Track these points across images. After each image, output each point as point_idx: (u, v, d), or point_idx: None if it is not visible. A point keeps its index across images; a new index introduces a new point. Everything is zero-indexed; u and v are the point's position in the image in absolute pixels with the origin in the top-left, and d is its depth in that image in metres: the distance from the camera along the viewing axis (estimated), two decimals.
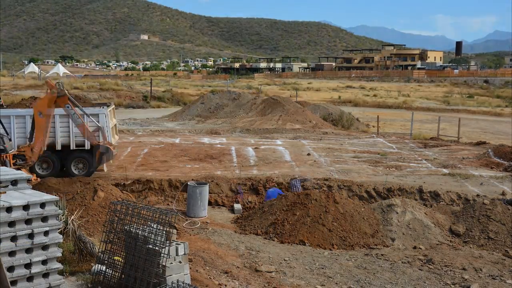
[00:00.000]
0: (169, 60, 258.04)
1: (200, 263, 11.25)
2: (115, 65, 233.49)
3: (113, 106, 22.59)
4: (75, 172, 20.25)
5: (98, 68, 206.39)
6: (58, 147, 19.92)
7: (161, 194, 18.75)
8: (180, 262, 8.87)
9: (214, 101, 47.52)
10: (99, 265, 9.37)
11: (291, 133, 34.84)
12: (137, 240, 8.87)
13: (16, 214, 7.46)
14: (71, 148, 20.02)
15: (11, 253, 7.48)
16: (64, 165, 20.26)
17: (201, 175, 20.43)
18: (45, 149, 18.73)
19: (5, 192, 7.74)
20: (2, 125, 19.12)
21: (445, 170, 22.74)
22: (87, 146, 19.82)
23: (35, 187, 15.33)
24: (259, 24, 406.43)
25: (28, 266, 7.64)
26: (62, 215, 9.93)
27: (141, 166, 22.67)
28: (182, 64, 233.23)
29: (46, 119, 17.80)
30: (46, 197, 7.90)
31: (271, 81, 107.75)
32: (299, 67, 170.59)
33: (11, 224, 7.46)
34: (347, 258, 13.29)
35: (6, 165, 16.65)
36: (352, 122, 42.12)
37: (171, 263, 8.71)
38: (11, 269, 7.44)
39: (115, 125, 22.45)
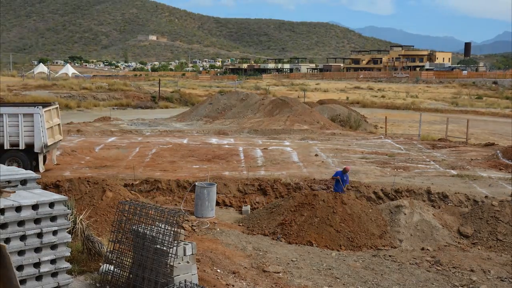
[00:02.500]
0: (177, 61, 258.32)
1: (207, 263, 11.28)
2: (123, 66, 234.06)
3: (57, 105, 22.43)
4: None
5: (107, 69, 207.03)
6: None
7: (169, 194, 18.81)
8: (187, 262, 8.90)
9: (222, 101, 47.57)
10: (107, 265, 9.41)
11: (299, 133, 34.82)
12: (145, 240, 8.90)
13: (25, 214, 7.51)
14: (5, 148, 19.90)
15: (20, 252, 7.53)
16: None
17: (209, 175, 20.47)
18: None
19: (15, 192, 7.80)
20: None
21: (454, 172, 22.67)
22: (22, 146, 19.84)
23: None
24: (267, 25, 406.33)
25: (37, 265, 7.69)
26: (70, 215, 9.98)
27: (149, 166, 22.74)
28: (190, 65, 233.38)
29: None
30: (55, 196, 7.95)
31: (279, 82, 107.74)
32: (307, 68, 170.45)
33: (20, 223, 7.51)
34: (355, 259, 13.28)
35: None
36: (360, 123, 42.06)
37: (179, 263, 8.74)
38: (20, 268, 7.49)
39: (59, 124, 22.34)
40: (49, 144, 20.46)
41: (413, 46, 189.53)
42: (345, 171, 17.54)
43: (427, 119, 45.61)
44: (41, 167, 20.43)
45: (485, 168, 23.60)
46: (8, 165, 18.69)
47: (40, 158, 20.33)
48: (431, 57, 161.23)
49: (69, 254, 8.19)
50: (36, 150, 20.10)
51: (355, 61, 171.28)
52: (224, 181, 19.65)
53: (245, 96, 48.84)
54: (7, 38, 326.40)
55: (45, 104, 21.92)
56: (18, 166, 18.88)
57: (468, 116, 46.40)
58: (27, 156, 20.14)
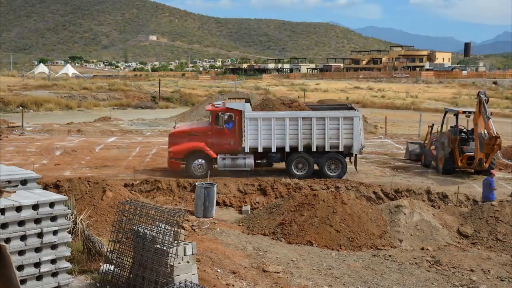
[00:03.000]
0: (177, 61, 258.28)
1: (207, 263, 11.29)
2: (124, 66, 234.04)
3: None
4: (328, 173, 20.98)
5: (107, 69, 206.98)
6: (314, 149, 20.92)
7: (169, 194, 18.81)
8: (188, 262, 8.90)
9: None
10: (108, 265, 9.42)
11: None
12: (145, 240, 8.91)
13: (26, 214, 7.52)
14: (326, 149, 20.89)
15: (21, 252, 7.54)
16: (318, 166, 21.17)
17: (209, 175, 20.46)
18: (302, 150, 20.79)
19: (15, 192, 7.80)
20: None
21: None
22: (341, 148, 20.84)
23: None
24: (267, 25, 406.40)
25: (37, 265, 7.70)
26: (71, 215, 9.99)
27: (149, 166, 22.75)
28: (190, 65, 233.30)
29: None
30: (55, 196, 7.95)
31: (279, 82, 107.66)
32: (307, 68, 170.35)
33: (21, 223, 7.52)
34: (355, 259, 13.29)
35: None
36: None
37: (179, 263, 8.75)
38: (20, 268, 7.50)
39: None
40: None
41: (413, 46, 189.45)
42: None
43: (427, 119, 45.52)
44: (356, 169, 21.75)
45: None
46: (328, 167, 20.94)
47: (356, 159, 21.54)
48: (431, 57, 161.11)
49: (69, 254, 8.20)
50: (354, 152, 21.05)
51: (355, 61, 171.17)
52: (224, 181, 19.65)
53: (245, 96, 48.81)
54: (7, 38, 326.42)
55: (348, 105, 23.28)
56: (336, 168, 21.02)
57: None
58: (344, 158, 21.15)
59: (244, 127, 20.87)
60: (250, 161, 20.88)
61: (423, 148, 25.04)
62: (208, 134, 21.18)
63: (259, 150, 20.95)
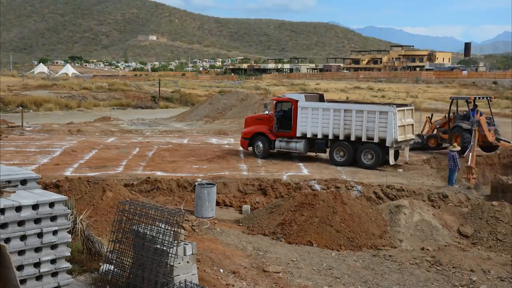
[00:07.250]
0: (177, 61, 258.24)
1: (207, 263, 11.28)
2: (123, 66, 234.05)
3: (412, 107, 24.52)
4: (364, 162, 22.81)
5: (107, 69, 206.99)
6: (352, 138, 22.92)
7: (169, 194, 18.80)
8: (188, 262, 8.90)
9: (222, 101, 47.54)
10: (107, 265, 9.42)
11: None
12: (145, 240, 8.91)
13: (25, 214, 7.52)
14: (363, 140, 22.75)
15: (20, 252, 7.53)
16: (355, 155, 23.13)
17: (209, 175, 20.47)
18: (342, 139, 23.14)
19: (15, 192, 7.80)
20: None
21: None
22: (376, 139, 22.47)
23: None
24: (267, 25, 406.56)
25: (37, 265, 7.69)
26: (70, 215, 9.98)
27: (149, 166, 22.74)
28: (190, 65, 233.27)
29: None
30: (55, 196, 7.95)
31: (279, 82, 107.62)
32: (307, 68, 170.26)
33: (21, 223, 7.51)
34: (355, 259, 13.28)
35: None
36: None
37: (179, 263, 8.74)
38: (20, 268, 7.49)
39: (412, 124, 24.05)
40: (399, 140, 22.61)
41: (413, 46, 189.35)
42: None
43: None
44: (391, 161, 22.78)
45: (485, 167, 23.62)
46: (364, 156, 22.77)
47: (391, 152, 22.60)
48: (431, 57, 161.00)
49: (69, 254, 8.19)
50: (387, 144, 22.38)
51: (355, 61, 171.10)
52: (224, 181, 19.65)
53: (245, 96, 48.83)
54: (7, 38, 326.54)
55: (400, 104, 24.51)
56: (372, 158, 22.74)
57: None
58: (379, 149, 22.54)
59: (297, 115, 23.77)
60: (300, 145, 23.71)
61: (422, 136, 28.56)
62: (271, 120, 24.63)
63: (308, 136, 23.72)
